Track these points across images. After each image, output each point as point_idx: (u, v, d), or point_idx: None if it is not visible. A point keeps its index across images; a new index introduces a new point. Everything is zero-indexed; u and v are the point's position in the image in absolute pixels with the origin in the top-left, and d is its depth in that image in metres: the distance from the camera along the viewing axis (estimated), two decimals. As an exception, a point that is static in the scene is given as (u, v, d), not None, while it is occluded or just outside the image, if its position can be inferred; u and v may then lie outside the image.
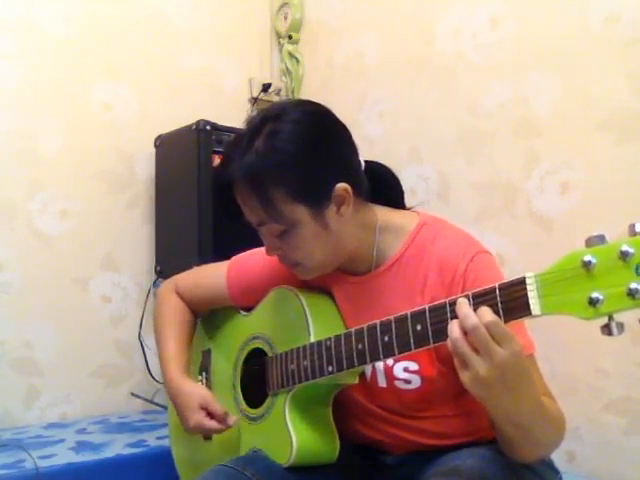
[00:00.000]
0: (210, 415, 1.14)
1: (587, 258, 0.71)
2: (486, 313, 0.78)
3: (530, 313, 0.76)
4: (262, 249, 1.14)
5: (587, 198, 1.63)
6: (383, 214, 1.09)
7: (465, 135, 1.92)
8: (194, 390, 1.17)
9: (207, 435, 1.22)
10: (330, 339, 1.01)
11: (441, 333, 0.84)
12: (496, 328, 0.77)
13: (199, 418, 1.13)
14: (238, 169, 0.98)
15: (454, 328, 0.80)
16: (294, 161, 0.97)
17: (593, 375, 1.60)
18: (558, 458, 1.09)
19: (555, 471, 1.09)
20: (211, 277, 1.28)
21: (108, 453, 1.62)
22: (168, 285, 1.35)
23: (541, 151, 1.73)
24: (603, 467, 1.58)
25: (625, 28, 1.57)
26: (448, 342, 0.81)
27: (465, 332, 0.79)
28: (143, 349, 2.17)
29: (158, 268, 2.17)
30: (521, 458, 0.96)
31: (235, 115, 2.23)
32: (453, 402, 1.06)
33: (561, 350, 1.62)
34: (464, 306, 0.80)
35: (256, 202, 0.98)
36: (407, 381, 1.04)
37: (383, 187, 1.12)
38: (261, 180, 0.96)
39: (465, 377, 0.80)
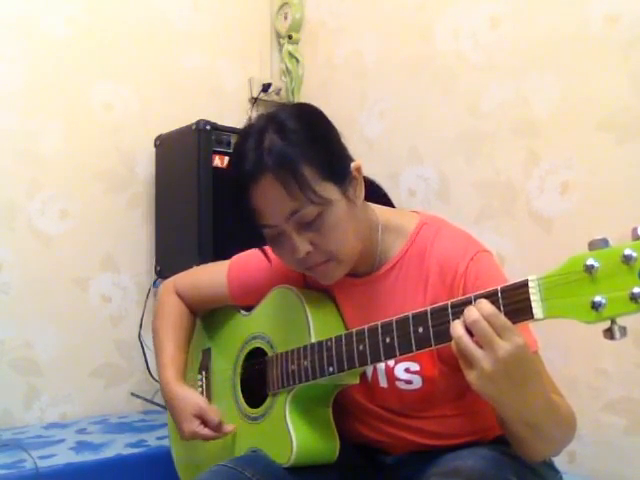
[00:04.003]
0: (204, 423, 1.14)
1: (590, 262, 0.70)
2: (485, 306, 0.78)
3: (533, 316, 0.76)
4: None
5: (587, 198, 1.63)
6: (382, 213, 1.10)
7: (465, 135, 1.92)
8: (189, 397, 1.17)
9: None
10: (331, 339, 1.01)
11: (443, 335, 0.84)
12: (496, 320, 0.77)
13: (193, 427, 1.14)
14: (267, 159, 0.94)
15: (457, 327, 0.80)
16: (314, 139, 0.98)
17: (593, 375, 1.60)
18: (558, 458, 1.08)
19: (555, 471, 1.09)
20: (211, 277, 1.27)
21: (108, 453, 1.62)
22: (167, 286, 1.34)
23: (541, 151, 1.73)
24: (603, 467, 1.58)
25: (625, 28, 1.57)
26: (452, 342, 0.81)
27: (468, 330, 0.79)
28: (143, 349, 2.17)
29: (158, 268, 2.17)
30: (533, 457, 0.95)
31: (235, 115, 2.25)
32: (454, 402, 1.06)
33: (561, 350, 1.62)
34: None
35: (292, 186, 0.94)
36: (408, 382, 1.04)
37: (371, 193, 1.11)
38: (294, 162, 0.94)
39: (471, 376, 0.80)
